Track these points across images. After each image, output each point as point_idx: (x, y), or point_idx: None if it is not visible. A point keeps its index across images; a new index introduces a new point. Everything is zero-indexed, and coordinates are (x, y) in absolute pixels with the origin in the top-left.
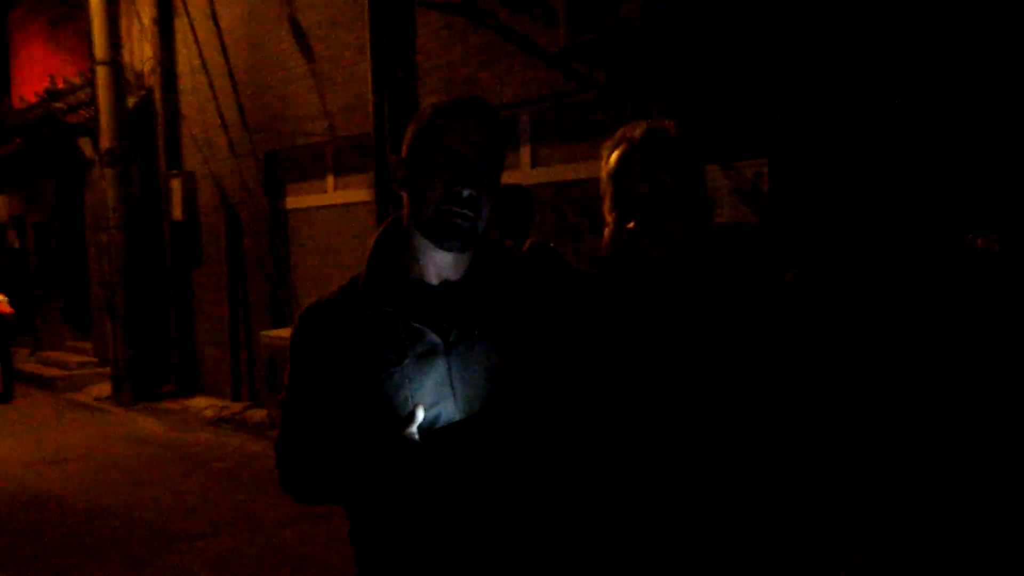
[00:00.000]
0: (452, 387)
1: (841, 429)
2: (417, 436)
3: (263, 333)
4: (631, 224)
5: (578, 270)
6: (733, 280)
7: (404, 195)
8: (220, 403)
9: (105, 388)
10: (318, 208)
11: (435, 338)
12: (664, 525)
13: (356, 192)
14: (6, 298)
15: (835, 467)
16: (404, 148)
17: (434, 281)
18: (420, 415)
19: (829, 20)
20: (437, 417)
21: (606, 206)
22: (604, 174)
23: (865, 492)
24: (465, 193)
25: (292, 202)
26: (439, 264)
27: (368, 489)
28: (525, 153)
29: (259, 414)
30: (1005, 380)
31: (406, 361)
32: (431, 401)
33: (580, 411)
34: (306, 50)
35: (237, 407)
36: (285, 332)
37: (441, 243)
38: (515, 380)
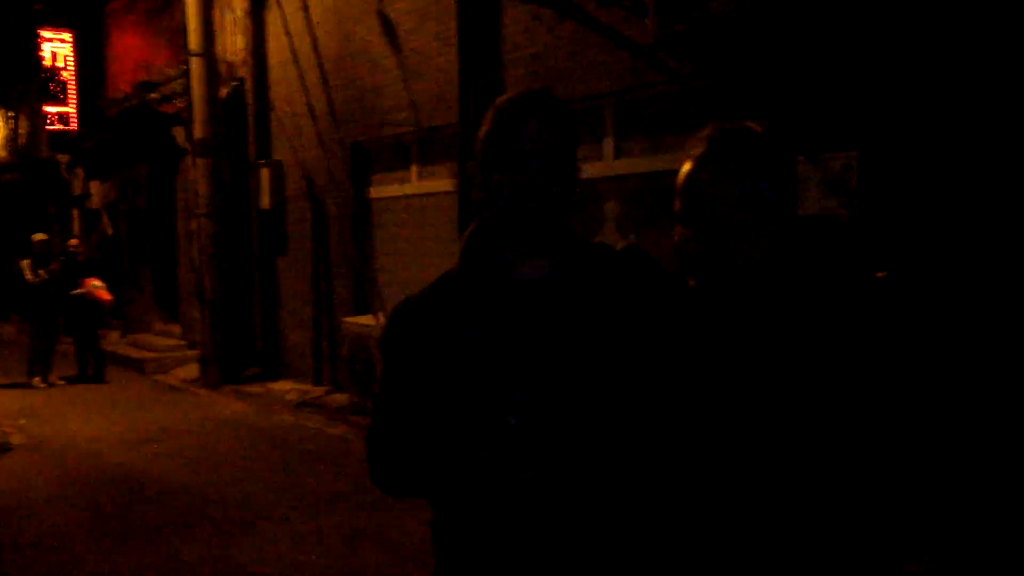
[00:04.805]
0: (538, 382)
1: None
2: (514, 422)
3: (345, 320)
4: (700, 245)
5: (668, 275)
6: (824, 285)
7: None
8: (302, 387)
9: (192, 370)
10: (401, 197)
11: (524, 334)
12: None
13: (439, 182)
14: (103, 284)
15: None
16: (476, 150)
17: (522, 277)
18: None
19: (925, 9)
20: (523, 414)
21: (678, 212)
22: (679, 180)
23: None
24: (529, 194)
25: (376, 191)
26: (523, 261)
27: (449, 480)
28: (608, 144)
29: (340, 398)
30: None
31: (494, 355)
32: (516, 396)
33: (664, 426)
34: (394, 42)
35: (319, 391)
36: (367, 319)
37: (516, 243)
38: (600, 384)
